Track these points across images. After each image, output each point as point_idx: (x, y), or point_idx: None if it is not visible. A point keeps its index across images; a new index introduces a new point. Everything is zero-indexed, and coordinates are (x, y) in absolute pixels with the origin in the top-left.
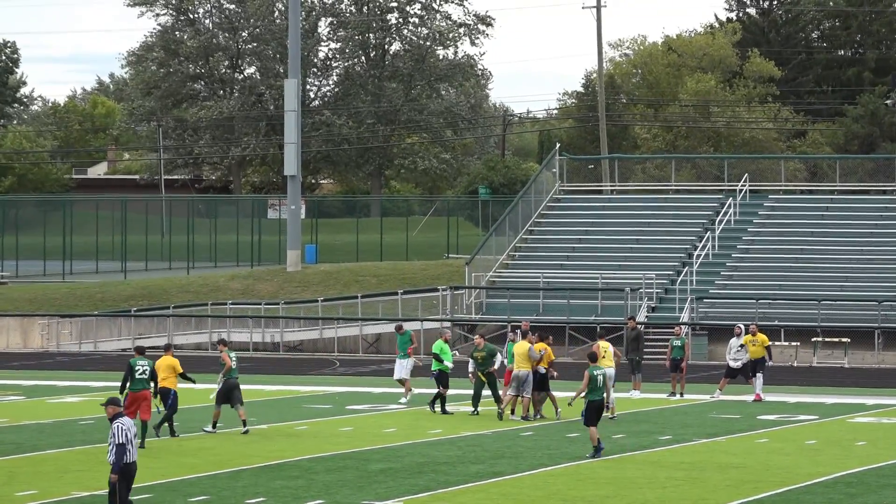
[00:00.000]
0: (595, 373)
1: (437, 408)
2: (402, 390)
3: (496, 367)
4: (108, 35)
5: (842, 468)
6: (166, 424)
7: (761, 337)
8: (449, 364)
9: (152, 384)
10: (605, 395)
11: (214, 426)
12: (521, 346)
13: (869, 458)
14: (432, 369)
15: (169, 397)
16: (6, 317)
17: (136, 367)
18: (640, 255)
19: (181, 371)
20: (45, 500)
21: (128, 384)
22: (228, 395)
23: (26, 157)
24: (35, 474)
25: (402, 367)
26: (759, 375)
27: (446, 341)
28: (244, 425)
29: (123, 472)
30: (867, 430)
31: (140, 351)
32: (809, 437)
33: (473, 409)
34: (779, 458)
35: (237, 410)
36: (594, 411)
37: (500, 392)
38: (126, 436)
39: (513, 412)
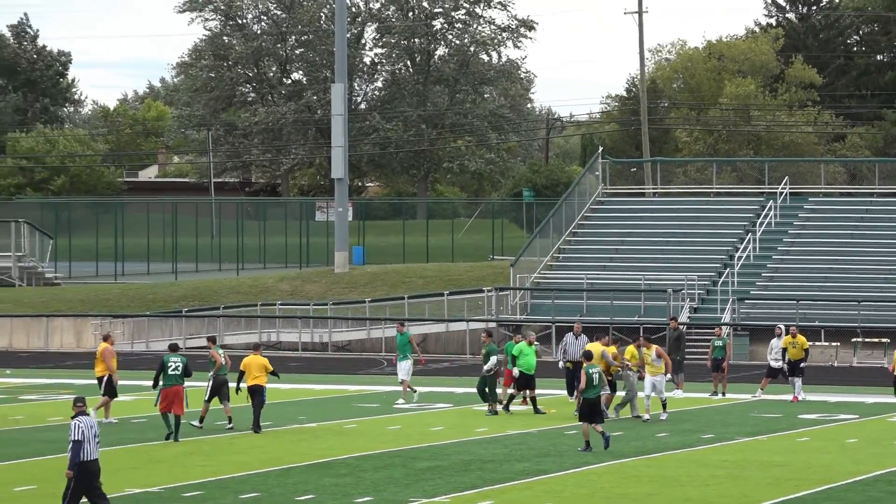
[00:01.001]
0: (591, 371)
1: (513, 408)
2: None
3: (487, 366)
4: (158, 40)
5: (882, 466)
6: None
7: (801, 339)
8: (516, 372)
9: (235, 382)
10: (600, 392)
11: (202, 420)
12: (593, 348)
13: None
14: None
15: (262, 394)
16: (60, 317)
17: (169, 364)
18: (682, 256)
19: (272, 369)
20: None
21: (160, 380)
22: (217, 391)
23: (79, 160)
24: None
25: (404, 368)
26: (799, 379)
27: (531, 344)
28: (229, 422)
29: (83, 470)
30: None
31: (173, 348)
32: (850, 435)
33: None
34: (820, 457)
35: (224, 407)
36: (588, 408)
37: (500, 391)
38: (83, 433)
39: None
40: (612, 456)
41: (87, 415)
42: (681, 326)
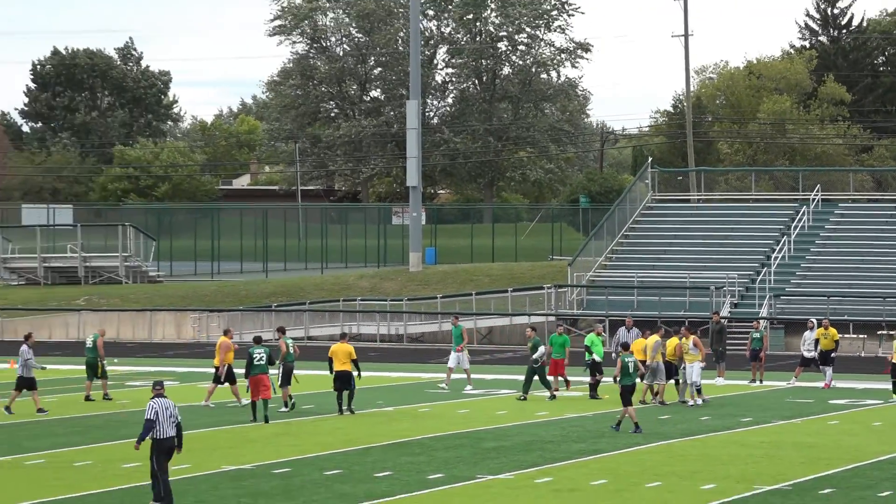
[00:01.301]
0: (626, 360)
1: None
2: (463, 376)
3: (535, 356)
4: (251, 61)
5: None
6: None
7: (832, 331)
8: (597, 357)
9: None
10: (636, 380)
11: (286, 404)
12: (651, 340)
13: None
14: (586, 360)
15: (350, 382)
16: (162, 311)
17: (255, 355)
18: (724, 257)
19: (355, 357)
20: (198, 473)
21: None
22: (288, 376)
23: (180, 170)
24: (188, 451)
25: (456, 357)
26: (830, 368)
27: (598, 335)
28: (290, 401)
29: (158, 446)
30: None
31: (257, 340)
32: (876, 419)
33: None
34: (848, 438)
35: (283, 392)
36: (627, 394)
37: (552, 379)
38: (156, 413)
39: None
40: (661, 437)
41: (165, 397)
42: (722, 320)
